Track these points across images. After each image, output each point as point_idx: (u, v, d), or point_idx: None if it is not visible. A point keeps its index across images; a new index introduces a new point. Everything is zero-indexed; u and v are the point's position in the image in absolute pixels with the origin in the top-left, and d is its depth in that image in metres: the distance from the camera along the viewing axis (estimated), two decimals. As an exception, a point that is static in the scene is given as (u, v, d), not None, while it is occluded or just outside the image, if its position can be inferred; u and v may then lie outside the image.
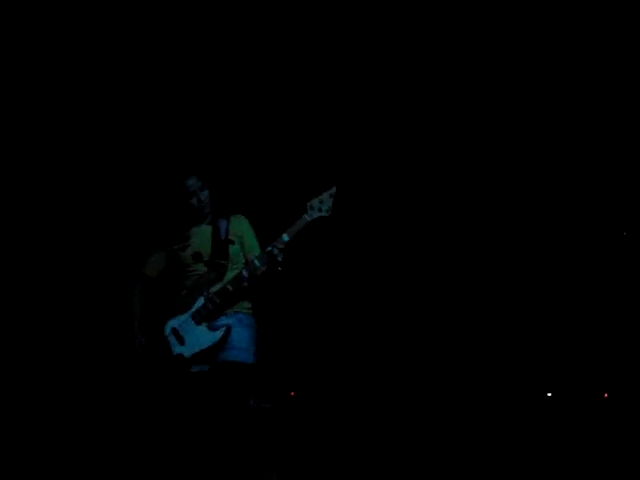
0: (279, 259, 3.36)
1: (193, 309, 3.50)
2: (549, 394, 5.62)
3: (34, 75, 4.83)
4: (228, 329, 3.46)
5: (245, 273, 3.42)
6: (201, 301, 3.49)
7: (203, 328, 3.47)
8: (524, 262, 5.83)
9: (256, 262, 3.40)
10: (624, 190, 5.53)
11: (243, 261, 3.58)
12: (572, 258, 5.72)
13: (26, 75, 4.80)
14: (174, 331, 3.51)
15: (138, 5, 4.55)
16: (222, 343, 3.45)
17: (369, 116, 5.45)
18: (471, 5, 4.68)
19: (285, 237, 3.37)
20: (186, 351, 3.47)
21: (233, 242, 3.62)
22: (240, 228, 3.68)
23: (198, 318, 3.48)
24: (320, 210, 3.37)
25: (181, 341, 3.48)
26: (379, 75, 5.20)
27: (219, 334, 3.44)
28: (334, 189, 3.40)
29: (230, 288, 3.44)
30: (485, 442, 5.26)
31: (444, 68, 5.19)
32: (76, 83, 4.99)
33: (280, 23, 4.82)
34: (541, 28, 4.76)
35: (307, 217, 3.38)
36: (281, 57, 5.07)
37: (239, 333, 3.50)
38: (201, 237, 3.63)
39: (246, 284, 3.45)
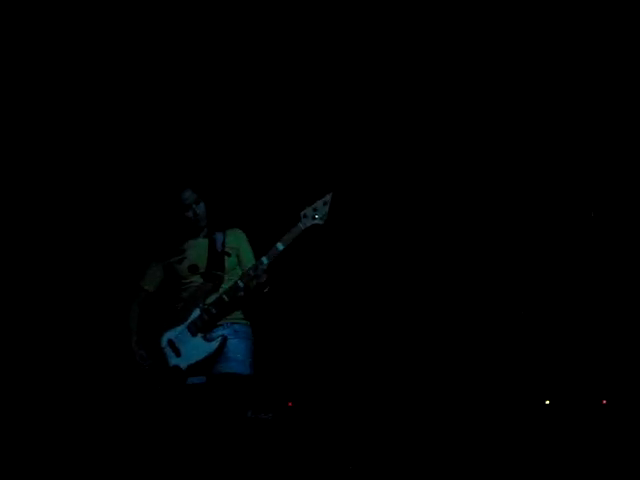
0: (262, 280, 3.38)
1: (189, 320, 3.50)
2: (547, 402, 5.60)
3: (28, 83, 4.83)
4: (224, 339, 3.46)
5: (241, 283, 3.42)
6: (197, 312, 3.50)
7: (199, 339, 3.47)
8: (521, 270, 5.83)
9: (251, 272, 3.41)
10: (623, 195, 5.53)
11: (239, 273, 3.58)
12: (570, 264, 5.72)
13: (20, 82, 4.80)
14: (170, 343, 3.51)
15: (127, 18, 4.56)
16: (218, 354, 3.45)
17: (361, 124, 5.47)
18: (470, 5, 4.68)
19: (280, 246, 3.38)
20: (182, 363, 3.47)
21: (229, 254, 3.64)
22: (237, 241, 3.70)
23: (194, 329, 3.48)
24: (314, 218, 3.39)
25: (177, 353, 3.49)
26: (371, 83, 5.22)
27: (215, 345, 3.44)
28: (327, 197, 3.41)
29: (226, 298, 3.45)
30: (484, 451, 5.24)
31: (438, 78, 5.22)
32: (71, 96, 5.00)
33: (267, 38, 4.85)
34: (541, 28, 4.77)
35: (301, 225, 3.39)
36: (271, 70, 5.09)
37: (235, 345, 3.50)
38: (197, 250, 3.63)
39: (242, 294, 3.46)
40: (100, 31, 4.63)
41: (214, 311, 3.46)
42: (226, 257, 3.62)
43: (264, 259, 3.39)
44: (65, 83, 4.91)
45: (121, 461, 4.64)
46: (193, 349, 3.46)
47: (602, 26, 4.76)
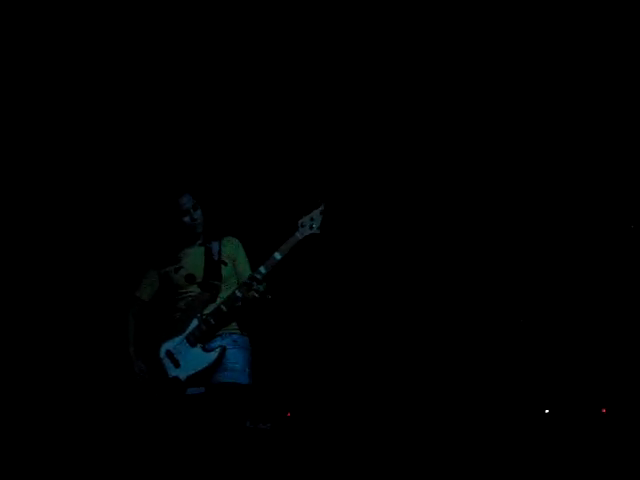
0: (261, 289, 3.37)
1: (187, 331, 3.49)
2: (547, 411, 5.59)
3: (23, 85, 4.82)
4: (223, 350, 3.45)
5: (239, 293, 3.42)
6: (195, 322, 3.49)
7: (198, 350, 3.46)
8: (520, 278, 5.83)
9: (249, 282, 3.41)
10: (624, 201, 5.52)
11: (235, 282, 3.59)
12: (569, 272, 5.72)
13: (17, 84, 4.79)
14: (169, 354, 3.50)
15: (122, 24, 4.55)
16: (217, 364, 3.43)
17: (356, 133, 5.47)
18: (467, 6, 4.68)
19: (277, 255, 3.38)
20: (181, 374, 3.45)
21: (226, 263, 3.62)
22: (233, 250, 3.69)
23: (192, 340, 3.47)
24: (311, 227, 3.39)
25: (176, 364, 3.47)
26: (364, 93, 5.23)
27: (214, 355, 3.43)
28: (324, 206, 3.42)
29: (224, 309, 3.44)
30: (484, 462, 5.22)
31: (430, 86, 5.23)
32: (68, 100, 4.99)
33: (260, 47, 4.86)
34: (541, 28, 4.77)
35: (298, 235, 3.40)
36: (267, 80, 5.10)
37: (234, 354, 3.49)
38: (194, 258, 3.62)
39: (240, 304, 3.46)
40: (98, 33, 4.62)
41: (213, 322, 3.45)
42: (222, 266, 3.61)
43: (262, 269, 3.39)
44: (63, 86, 4.89)
45: (121, 472, 4.62)
46: (192, 360, 3.45)
47: (602, 26, 4.76)
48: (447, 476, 5.08)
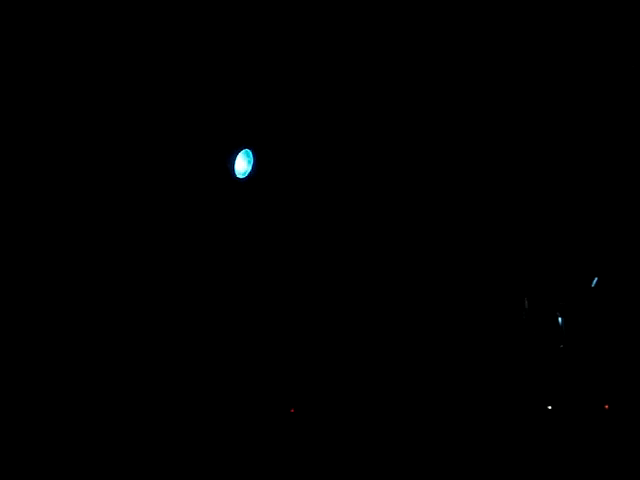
0: None
1: None
2: (549, 407, 5.58)
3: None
4: None
5: None
6: None
7: None
8: (522, 274, 5.81)
9: None
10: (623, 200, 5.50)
11: None
12: (570, 267, 5.71)
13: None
14: None
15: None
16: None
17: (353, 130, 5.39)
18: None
19: None
20: None
21: None
22: None
23: None
24: None
25: None
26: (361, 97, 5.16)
27: None
28: None
29: None
30: (487, 458, 5.21)
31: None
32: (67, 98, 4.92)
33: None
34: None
35: None
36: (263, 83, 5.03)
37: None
38: None
39: None
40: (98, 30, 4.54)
41: None
42: None
43: None
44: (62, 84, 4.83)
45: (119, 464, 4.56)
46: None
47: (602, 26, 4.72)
48: (447, 476, 5.07)
